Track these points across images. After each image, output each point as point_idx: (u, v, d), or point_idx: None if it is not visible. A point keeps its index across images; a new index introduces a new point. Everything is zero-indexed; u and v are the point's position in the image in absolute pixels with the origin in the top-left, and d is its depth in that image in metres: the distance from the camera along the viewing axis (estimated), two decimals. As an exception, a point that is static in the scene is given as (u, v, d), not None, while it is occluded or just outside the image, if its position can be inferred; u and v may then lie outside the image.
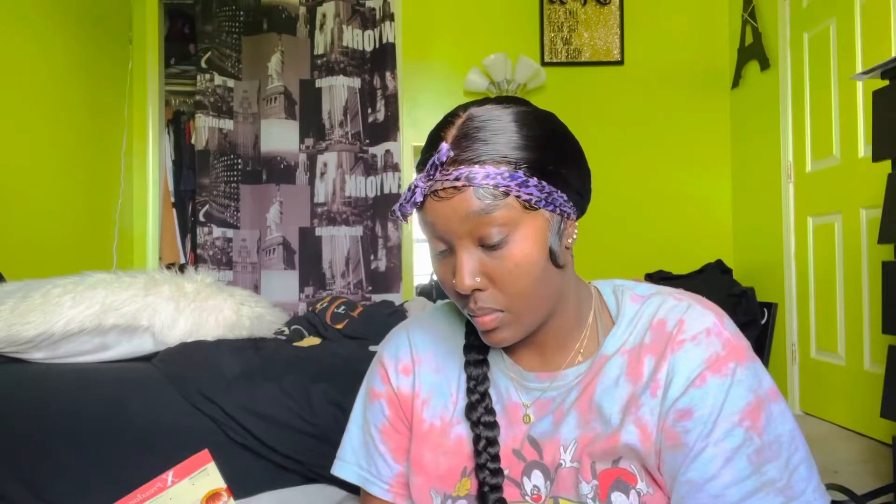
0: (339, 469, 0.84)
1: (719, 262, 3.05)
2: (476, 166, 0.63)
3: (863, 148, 2.48)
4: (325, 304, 2.02)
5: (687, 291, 0.73)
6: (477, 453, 0.72)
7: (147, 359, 1.54)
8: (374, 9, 3.43)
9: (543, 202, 0.64)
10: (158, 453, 1.29)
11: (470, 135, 0.64)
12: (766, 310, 2.73)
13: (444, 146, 0.63)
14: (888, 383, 1.72)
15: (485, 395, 0.74)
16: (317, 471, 1.36)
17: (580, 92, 3.55)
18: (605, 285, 0.77)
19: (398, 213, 0.67)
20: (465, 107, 0.68)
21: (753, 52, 3.25)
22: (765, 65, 3.16)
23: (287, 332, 1.90)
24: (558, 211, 0.66)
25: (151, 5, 3.48)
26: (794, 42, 2.97)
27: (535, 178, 0.64)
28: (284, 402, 1.38)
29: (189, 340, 1.54)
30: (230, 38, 3.43)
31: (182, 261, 3.86)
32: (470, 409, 0.74)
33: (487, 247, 0.64)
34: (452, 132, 0.65)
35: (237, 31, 3.44)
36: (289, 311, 2.35)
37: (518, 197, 0.63)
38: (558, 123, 0.69)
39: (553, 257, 0.66)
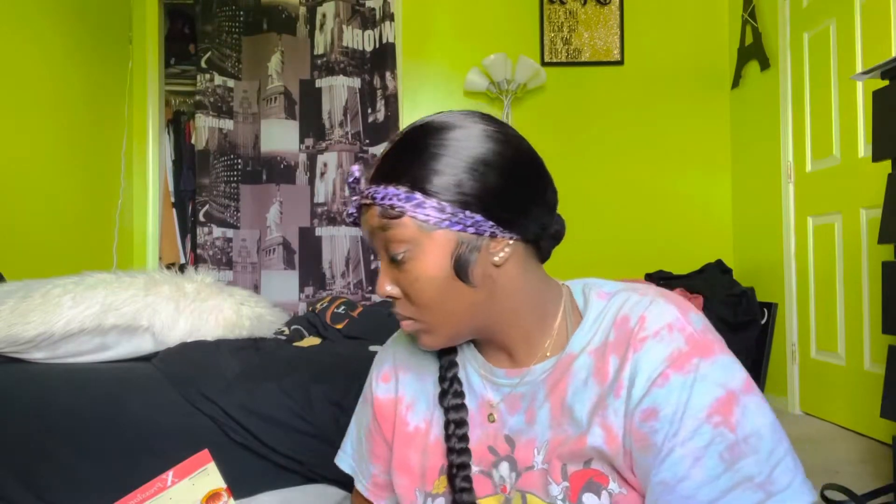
0: (339, 459, 0.90)
1: (719, 262, 3.05)
2: (382, 185, 0.66)
3: (863, 148, 2.48)
4: (325, 304, 2.02)
5: (657, 287, 0.71)
6: (447, 437, 0.73)
7: (147, 359, 1.54)
8: (374, 9, 3.43)
9: (448, 223, 0.65)
10: (158, 453, 1.30)
11: (390, 153, 0.68)
12: (766, 310, 2.73)
13: (354, 168, 0.69)
14: (888, 383, 1.72)
15: (453, 379, 0.76)
16: (317, 471, 1.37)
17: (580, 92, 3.54)
18: (576, 284, 0.77)
19: (349, 221, 0.72)
20: (423, 119, 0.71)
21: (753, 52, 3.25)
22: (765, 65, 3.16)
23: (287, 332, 1.90)
24: (473, 231, 0.66)
25: (151, 5, 3.48)
26: (794, 42, 2.97)
27: (435, 200, 0.64)
28: (284, 402, 1.39)
29: (189, 340, 1.54)
30: (230, 38, 3.43)
31: (182, 261, 3.86)
32: (441, 396, 0.76)
33: (393, 261, 0.67)
34: (392, 144, 0.70)
35: (237, 31, 3.44)
36: (289, 311, 2.35)
37: (414, 217, 0.65)
38: (496, 147, 0.67)
39: (462, 275, 0.66)
